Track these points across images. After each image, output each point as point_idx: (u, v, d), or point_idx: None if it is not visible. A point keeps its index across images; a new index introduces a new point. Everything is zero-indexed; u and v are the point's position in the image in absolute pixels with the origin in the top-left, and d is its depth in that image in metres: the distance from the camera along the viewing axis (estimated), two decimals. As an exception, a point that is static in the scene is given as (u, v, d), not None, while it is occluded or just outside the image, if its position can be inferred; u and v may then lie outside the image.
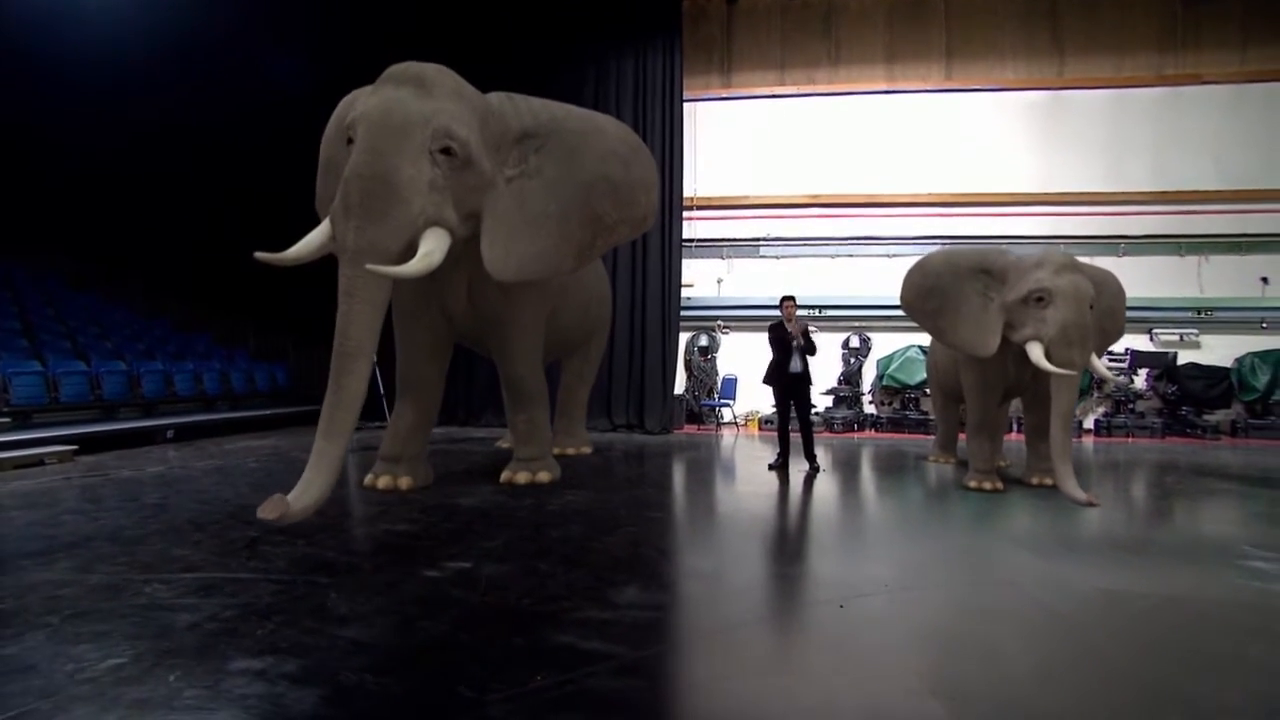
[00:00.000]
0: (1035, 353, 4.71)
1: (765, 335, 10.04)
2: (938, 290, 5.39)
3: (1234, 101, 9.70)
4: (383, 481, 4.89)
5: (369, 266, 3.47)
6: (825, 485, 5.53)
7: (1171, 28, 9.91)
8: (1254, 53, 9.66)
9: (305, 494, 3.24)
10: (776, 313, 10.41)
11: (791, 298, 6.16)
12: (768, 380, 6.26)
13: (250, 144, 10.92)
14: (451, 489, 4.90)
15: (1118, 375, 9.09)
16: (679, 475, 6.28)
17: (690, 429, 10.07)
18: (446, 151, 3.96)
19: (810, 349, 6.05)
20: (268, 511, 3.06)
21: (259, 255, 3.67)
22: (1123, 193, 9.90)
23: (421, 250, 3.79)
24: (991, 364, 5.23)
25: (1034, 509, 4.62)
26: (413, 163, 3.80)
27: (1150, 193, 9.83)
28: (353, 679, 1.94)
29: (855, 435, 9.59)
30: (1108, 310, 5.33)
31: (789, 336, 5.99)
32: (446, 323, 5.10)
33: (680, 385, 10.38)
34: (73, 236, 10.94)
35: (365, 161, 3.69)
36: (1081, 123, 10.02)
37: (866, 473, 6.51)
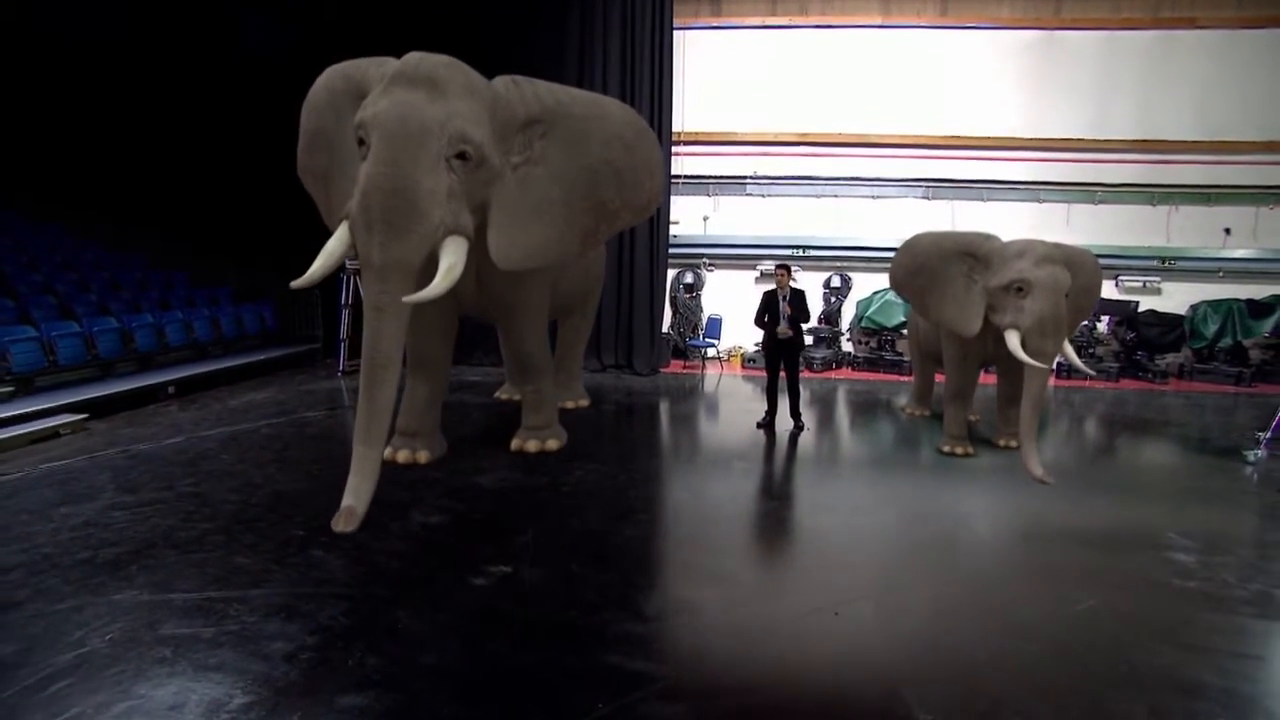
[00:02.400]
0: (1013, 341, 5.09)
1: (747, 273, 10.38)
2: (925, 270, 5.67)
3: (1224, 49, 9.71)
4: (402, 455, 5.20)
5: (405, 300, 3.63)
6: (810, 451, 5.99)
7: (1174, -35, 9.70)
8: (1250, -4, 9.57)
9: (357, 501, 3.59)
10: (761, 251, 10.76)
11: (785, 266, 6.35)
12: (763, 344, 6.53)
13: (224, 71, 10.30)
14: (467, 463, 5.23)
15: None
16: (671, 440, 6.67)
17: (676, 365, 10.45)
18: (461, 156, 3.99)
19: (804, 317, 6.32)
20: (343, 524, 3.45)
21: (294, 285, 3.77)
22: (1105, 140, 10.05)
23: (444, 266, 3.90)
24: (972, 340, 5.61)
25: (996, 480, 5.16)
26: (430, 173, 3.83)
27: (1132, 141, 10.00)
28: (446, 713, 2.33)
29: (834, 375, 10.07)
30: (1083, 288, 5.68)
31: (777, 305, 6.23)
32: (455, 303, 5.24)
33: (666, 322, 10.64)
34: (31, 168, 10.38)
35: (384, 174, 3.72)
36: (1072, 66, 9.96)
37: (847, 432, 6.99)
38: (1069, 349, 5.26)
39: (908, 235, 10.14)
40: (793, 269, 6.48)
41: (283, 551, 3.57)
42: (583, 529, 4.00)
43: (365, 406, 3.76)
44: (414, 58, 4.08)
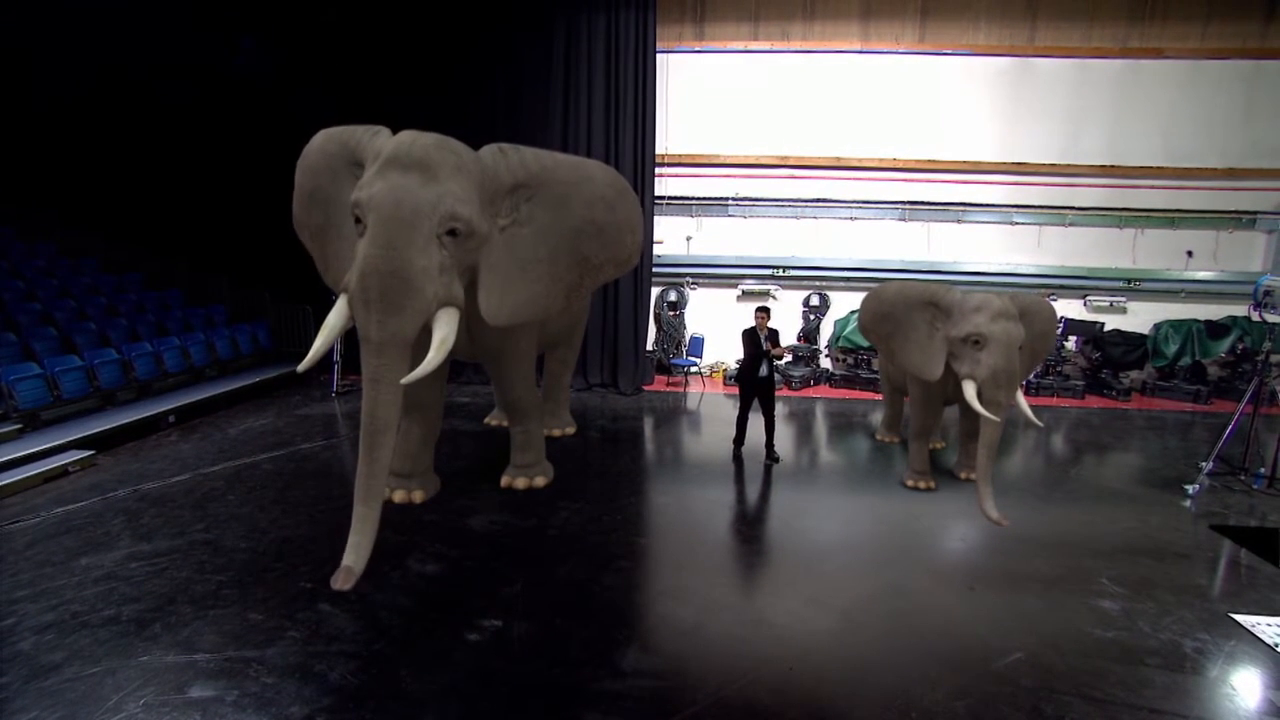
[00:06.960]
0: (969, 391, 5.47)
1: (729, 292, 10.77)
2: (891, 317, 6.03)
3: (1188, 78, 10.07)
4: (398, 496, 5.53)
5: (402, 381, 3.94)
6: (784, 484, 6.34)
7: (1144, -4, 10.03)
8: (1215, 29, 9.92)
9: (357, 557, 3.90)
10: (743, 271, 11.10)
11: (765, 309, 6.69)
12: (739, 379, 6.94)
13: (215, 87, 10.43)
14: (459, 502, 5.57)
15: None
16: (653, 472, 6.89)
17: (660, 382, 10.80)
18: (452, 232, 4.28)
19: (779, 354, 6.70)
20: (341, 583, 3.74)
21: (299, 368, 4.06)
22: (1076, 165, 10.41)
23: (436, 339, 4.22)
24: (934, 382, 5.98)
25: (954, 517, 5.54)
26: (423, 252, 4.12)
27: (1101, 166, 10.37)
28: (446, 774, 2.69)
29: (811, 392, 10.45)
30: (1039, 334, 6.06)
31: (760, 345, 6.59)
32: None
33: (650, 339, 10.98)
34: (23, 185, 10.50)
35: (381, 257, 4.01)
36: (1046, 93, 10.30)
37: (821, 462, 7.34)
38: (1021, 400, 5.64)
39: (885, 255, 10.75)
40: (771, 312, 6.87)
41: (293, 606, 3.91)
42: (568, 578, 4.36)
43: (365, 467, 4.06)
44: (406, 139, 4.35)
